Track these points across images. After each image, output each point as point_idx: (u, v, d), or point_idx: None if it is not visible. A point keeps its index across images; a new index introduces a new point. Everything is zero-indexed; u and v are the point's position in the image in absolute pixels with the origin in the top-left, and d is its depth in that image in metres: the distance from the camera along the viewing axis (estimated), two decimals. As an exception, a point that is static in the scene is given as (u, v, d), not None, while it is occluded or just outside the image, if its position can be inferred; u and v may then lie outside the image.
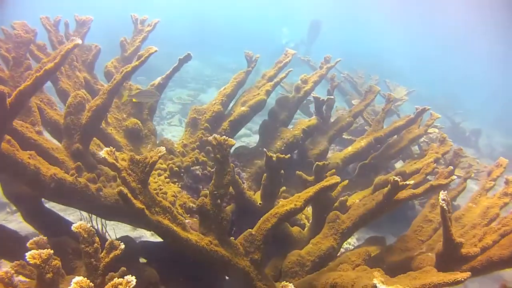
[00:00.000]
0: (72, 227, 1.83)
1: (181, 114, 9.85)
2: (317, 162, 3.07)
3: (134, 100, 3.64)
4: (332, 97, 4.17)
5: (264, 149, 2.96)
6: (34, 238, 1.85)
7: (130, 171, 2.12)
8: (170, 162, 3.58)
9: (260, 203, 3.11)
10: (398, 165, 5.43)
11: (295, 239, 3.02)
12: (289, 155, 2.94)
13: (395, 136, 4.30)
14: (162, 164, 3.53)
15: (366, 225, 3.03)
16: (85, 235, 1.81)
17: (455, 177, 2.84)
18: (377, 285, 1.65)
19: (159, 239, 2.53)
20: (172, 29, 19.76)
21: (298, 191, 3.75)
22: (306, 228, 3.20)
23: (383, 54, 21.88)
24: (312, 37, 15.36)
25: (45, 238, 1.89)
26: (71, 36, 3.88)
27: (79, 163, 2.76)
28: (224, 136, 2.35)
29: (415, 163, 3.95)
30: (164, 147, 2.15)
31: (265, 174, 3.00)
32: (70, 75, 3.54)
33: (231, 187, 2.95)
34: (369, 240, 3.34)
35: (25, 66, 3.23)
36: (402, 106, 7.98)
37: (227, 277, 2.83)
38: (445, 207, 2.11)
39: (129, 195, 2.06)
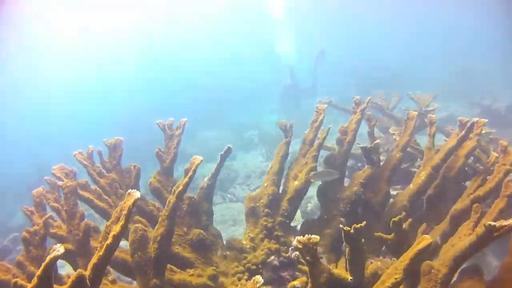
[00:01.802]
0: None
1: (221, 189, 9.71)
2: (393, 219, 2.96)
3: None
4: (378, 141, 4.10)
5: (341, 225, 2.87)
6: None
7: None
8: (245, 261, 3.51)
9: (351, 279, 3.00)
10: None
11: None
12: (364, 222, 2.84)
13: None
14: (238, 267, 3.47)
15: (462, 265, 2.88)
16: None
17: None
18: None
19: None
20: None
21: (375, 248, 3.72)
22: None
23: (390, 65, 21.73)
24: (318, 67, 15.35)
25: None
26: (107, 164, 3.99)
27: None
28: (307, 235, 2.28)
29: (481, 179, 3.82)
30: (260, 276, 2.08)
31: (347, 249, 2.91)
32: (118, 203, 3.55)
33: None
34: (464, 274, 3.11)
35: (79, 216, 3.27)
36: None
37: None
38: None
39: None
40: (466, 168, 4.48)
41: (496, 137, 6.14)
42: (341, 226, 2.85)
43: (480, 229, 2.59)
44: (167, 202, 3.06)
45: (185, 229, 3.67)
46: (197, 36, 33.76)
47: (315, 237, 2.28)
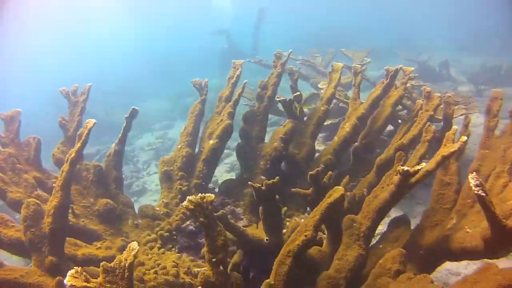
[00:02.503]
0: None
1: (156, 159, 9.38)
2: (310, 172, 2.74)
3: (305, 108, 3.55)
4: (298, 93, 3.84)
5: (249, 182, 2.61)
6: None
7: (108, 285, 1.74)
8: (157, 229, 3.22)
9: (266, 239, 2.76)
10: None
11: (318, 261, 2.66)
12: (277, 177, 2.60)
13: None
14: (150, 235, 3.18)
15: (385, 216, 2.70)
16: None
17: (465, 138, 2.50)
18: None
19: None
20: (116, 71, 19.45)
21: (300, 205, 3.49)
22: (324, 244, 2.85)
23: (334, 24, 21.90)
24: (258, 27, 14.99)
25: None
26: (3, 139, 3.62)
27: (59, 277, 2.39)
28: (200, 195, 1.98)
29: (408, 128, 3.64)
30: (135, 243, 1.77)
31: (260, 207, 2.66)
32: (17, 181, 3.18)
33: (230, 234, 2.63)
34: (392, 224, 3.04)
35: None
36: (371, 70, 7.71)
37: None
38: (482, 194, 1.76)
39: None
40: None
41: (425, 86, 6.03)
42: (250, 183, 2.60)
43: (396, 177, 2.40)
44: (60, 171, 2.73)
45: (91, 199, 3.34)
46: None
47: (210, 196, 1.99)
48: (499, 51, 15.18)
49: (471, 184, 1.79)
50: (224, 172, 7.70)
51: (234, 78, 3.97)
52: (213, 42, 18.37)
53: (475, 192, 1.77)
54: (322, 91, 5.15)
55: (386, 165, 3.32)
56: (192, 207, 1.94)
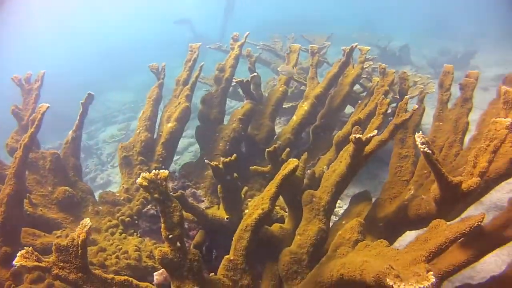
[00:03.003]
0: None
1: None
2: (267, 149, 2.75)
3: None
4: (255, 73, 3.84)
5: (206, 160, 2.61)
6: None
7: (61, 264, 1.71)
8: (118, 214, 3.18)
9: (227, 218, 2.76)
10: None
11: (280, 237, 2.68)
12: (234, 155, 2.61)
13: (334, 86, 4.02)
14: (111, 221, 3.14)
15: (344, 190, 2.74)
16: None
17: (416, 106, 2.56)
18: (393, 285, 1.32)
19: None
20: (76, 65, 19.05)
21: (261, 184, 3.50)
22: (286, 220, 2.87)
23: (302, 11, 22.28)
24: (227, 15, 15.01)
25: None
26: None
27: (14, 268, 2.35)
28: (154, 171, 1.96)
29: (365, 104, 3.68)
30: (88, 219, 1.75)
31: (219, 186, 2.66)
32: None
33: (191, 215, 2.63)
34: (354, 200, 3.12)
35: None
36: (330, 53, 7.75)
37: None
38: (428, 151, 1.79)
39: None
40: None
41: (384, 67, 6.11)
42: (206, 161, 2.60)
43: (350, 147, 2.43)
44: (14, 158, 2.69)
45: (49, 188, 3.26)
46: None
47: (164, 172, 1.97)
48: (456, 36, 15.75)
49: (417, 143, 1.82)
50: (188, 161, 7.66)
51: (191, 62, 3.95)
52: (176, 31, 18.31)
53: (421, 149, 1.80)
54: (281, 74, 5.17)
55: (344, 141, 3.37)
56: (146, 183, 1.92)
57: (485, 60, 11.93)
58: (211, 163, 2.51)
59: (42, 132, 3.10)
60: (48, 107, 2.78)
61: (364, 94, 5.24)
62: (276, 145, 2.78)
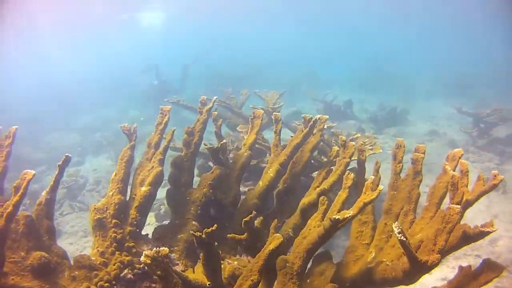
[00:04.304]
0: None
1: (70, 199, 9.06)
2: (244, 219, 2.97)
3: None
4: (224, 141, 4.07)
5: (191, 231, 2.77)
6: None
7: None
8: (96, 280, 3.23)
9: (209, 284, 2.92)
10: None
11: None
12: (215, 224, 2.79)
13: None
14: (89, 287, 3.18)
15: (313, 255, 3.04)
16: None
17: (381, 187, 2.88)
18: None
19: None
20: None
21: (231, 247, 3.69)
22: (259, 285, 3.06)
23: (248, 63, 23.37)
24: (185, 75, 15.61)
25: None
26: None
27: None
28: (155, 249, 2.13)
29: (326, 172, 4.00)
30: None
31: (201, 254, 2.83)
32: None
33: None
34: (316, 259, 3.37)
35: None
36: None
37: None
38: (404, 239, 2.20)
39: None
40: (312, 161, 4.67)
41: (337, 131, 6.54)
42: (191, 232, 2.76)
43: (326, 222, 2.73)
44: None
45: (22, 253, 3.17)
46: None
47: (164, 250, 2.15)
48: (390, 90, 17.03)
49: (395, 232, 2.17)
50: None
51: (163, 125, 4.12)
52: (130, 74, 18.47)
53: (399, 238, 2.19)
54: (241, 134, 5.43)
55: (309, 208, 3.68)
56: (149, 261, 2.08)
57: (418, 115, 13.04)
58: (195, 234, 2.68)
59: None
60: (34, 174, 2.83)
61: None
62: (252, 215, 2.99)
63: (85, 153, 12.53)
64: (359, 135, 6.51)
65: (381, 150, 6.26)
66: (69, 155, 3.46)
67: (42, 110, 17.38)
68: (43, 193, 3.52)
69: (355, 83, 19.53)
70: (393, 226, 2.19)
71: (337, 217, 2.52)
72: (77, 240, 7.56)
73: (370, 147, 6.11)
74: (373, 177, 3.05)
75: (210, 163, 6.06)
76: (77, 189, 9.51)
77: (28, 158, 12.19)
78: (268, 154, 5.81)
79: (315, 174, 4.61)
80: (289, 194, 4.13)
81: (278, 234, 2.65)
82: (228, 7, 30.40)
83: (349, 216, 2.62)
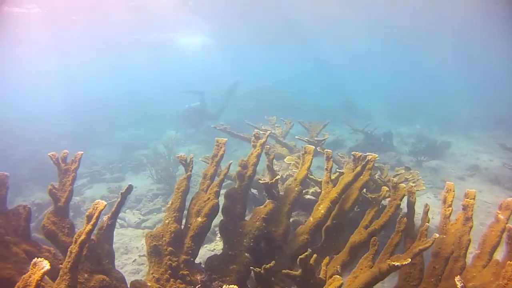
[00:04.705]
0: None
1: (111, 214, 9.31)
2: (300, 257, 3.05)
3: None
4: (278, 177, 4.19)
5: (251, 267, 2.89)
6: None
7: None
8: (152, 305, 3.37)
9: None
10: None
11: None
12: (273, 261, 2.91)
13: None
14: (148, 314, 3.32)
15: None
16: None
17: (437, 235, 2.95)
18: None
19: None
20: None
21: (280, 280, 3.78)
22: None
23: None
24: (228, 96, 15.86)
25: None
26: None
27: None
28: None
29: (376, 212, 4.08)
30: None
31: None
32: (6, 254, 3.08)
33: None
34: None
35: None
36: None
37: None
38: None
39: None
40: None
41: (380, 165, 6.59)
42: (251, 268, 2.88)
43: (383, 266, 2.83)
44: (69, 252, 2.79)
45: (86, 275, 3.35)
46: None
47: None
48: (427, 122, 17.02)
49: (458, 286, 2.22)
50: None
51: (218, 157, 4.26)
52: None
53: None
54: (290, 167, 5.55)
55: (359, 246, 3.76)
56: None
57: (458, 148, 12.89)
58: (255, 270, 2.79)
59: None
60: (105, 205, 2.96)
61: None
62: (307, 253, 3.09)
63: (126, 169, 12.83)
64: (402, 171, 6.55)
65: (424, 188, 6.30)
66: (131, 184, 3.64)
67: (84, 125, 17.93)
68: (105, 218, 3.70)
69: (391, 114, 19.54)
70: (456, 280, 2.26)
71: (396, 263, 2.60)
72: (118, 256, 7.67)
73: (413, 183, 6.14)
74: (427, 224, 3.12)
75: (253, 191, 6.21)
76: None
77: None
78: (311, 186, 5.91)
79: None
80: (338, 230, 4.21)
81: (338, 276, 2.74)
82: (264, 39, 30.84)
83: (407, 263, 2.70)
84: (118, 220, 9.03)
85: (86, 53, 32.09)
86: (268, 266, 2.84)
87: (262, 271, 2.82)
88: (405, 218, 3.40)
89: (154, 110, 20.50)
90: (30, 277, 1.71)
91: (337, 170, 4.56)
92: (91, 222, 2.86)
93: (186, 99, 16.34)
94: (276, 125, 8.09)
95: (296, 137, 7.19)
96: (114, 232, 8.51)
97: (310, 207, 4.40)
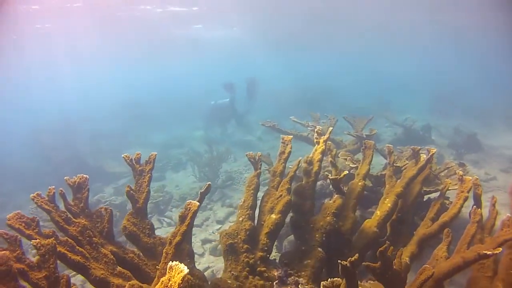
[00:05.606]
0: None
1: (157, 213, 9.47)
2: (379, 249, 3.15)
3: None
4: (346, 172, 4.29)
5: (339, 260, 2.99)
6: None
7: None
8: (235, 302, 3.51)
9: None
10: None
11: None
12: (357, 254, 3.00)
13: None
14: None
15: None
16: None
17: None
18: None
19: None
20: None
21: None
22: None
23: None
24: (251, 94, 15.63)
25: None
26: (73, 208, 3.51)
27: None
28: (329, 279, 2.37)
29: (440, 204, 4.17)
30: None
31: (343, 280, 3.04)
32: (97, 256, 3.18)
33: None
34: None
35: (64, 283, 2.67)
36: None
37: None
38: None
39: None
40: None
41: (448, 163, 6.59)
42: (339, 261, 2.99)
43: (469, 255, 2.91)
44: (164, 253, 2.92)
45: None
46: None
47: (338, 280, 2.38)
48: (465, 115, 16.79)
49: None
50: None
51: (286, 154, 4.39)
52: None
53: None
54: (346, 163, 5.64)
55: (428, 238, 3.86)
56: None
57: (498, 141, 12.71)
58: (342, 263, 2.90)
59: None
60: (199, 205, 3.07)
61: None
62: (386, 246, 3.18)
63: (165, 169, 13.04)
64: (453, 164, 6.57)
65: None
66: (210, 183, 3.77)
67: (123, 125, 18.25)
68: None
69: (426, 107, 19.36)
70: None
71: (488, 252, 2.69)
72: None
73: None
74: (509, 214, 3.19)
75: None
76: (163, 204, 9.88)
77: (112, 171, 12.86)
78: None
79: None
80: (402, 223, 4.30)
81: (428, 266, 2.84)
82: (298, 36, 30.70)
83: (497, 252, 2.79)
84: (165, 219, 9.30)
85: (130, 57, 32.80)
86: (353, 259, 2.93)
87: (348, 264, 2.92)
88: (480, 209, 3.48)
89: (189, 110, 20.70)
90: (169, 280, 1.74)
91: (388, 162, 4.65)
92: (185, 223, 2.99)
93: (216, 95, 16.43)
94: (322, 121, 8.18)
95: (345, 132, 7.27)
96: (163, 231, 8.78)
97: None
